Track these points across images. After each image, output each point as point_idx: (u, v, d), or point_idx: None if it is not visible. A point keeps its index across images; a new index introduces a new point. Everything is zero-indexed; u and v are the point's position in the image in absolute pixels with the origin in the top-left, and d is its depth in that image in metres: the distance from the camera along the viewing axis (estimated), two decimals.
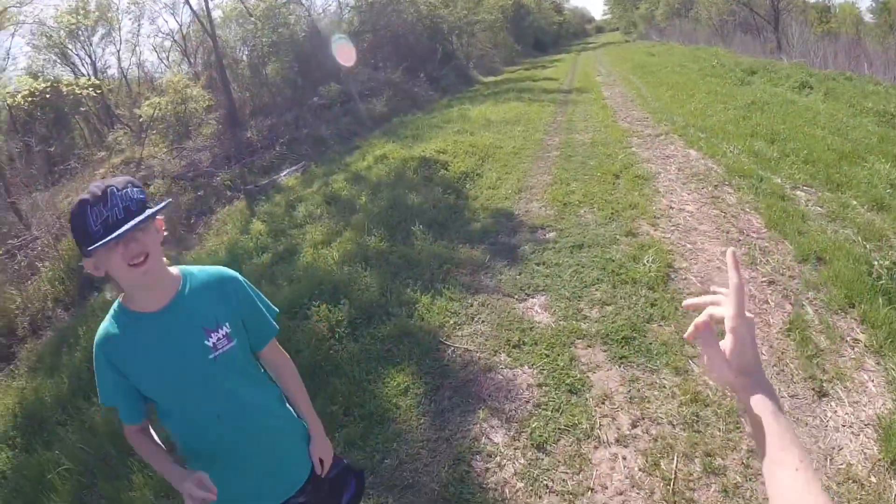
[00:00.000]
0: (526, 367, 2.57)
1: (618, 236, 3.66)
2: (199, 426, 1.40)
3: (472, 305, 3.12)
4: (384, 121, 6.91)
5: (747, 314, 0.71)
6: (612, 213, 4.04)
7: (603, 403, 2.28)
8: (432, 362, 2.74)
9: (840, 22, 21.92)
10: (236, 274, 1.40)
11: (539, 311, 3.01)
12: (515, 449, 2.19)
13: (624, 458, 2.04)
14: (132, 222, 1.15)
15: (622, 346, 2.60)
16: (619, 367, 2.49)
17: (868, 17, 23.03)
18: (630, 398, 2.29)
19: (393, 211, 4.16)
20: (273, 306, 1.46)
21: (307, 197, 4.98)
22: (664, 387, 2.33)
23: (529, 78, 15.17)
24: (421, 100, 9.72)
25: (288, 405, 1.52)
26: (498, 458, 2.16)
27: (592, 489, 1.94)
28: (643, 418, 2.19)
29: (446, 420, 2.41)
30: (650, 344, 2.60)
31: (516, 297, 3.16)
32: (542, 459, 2.10)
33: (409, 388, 2.62)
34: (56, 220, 5.68)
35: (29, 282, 5.15)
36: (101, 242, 1.13)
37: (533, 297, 3.14)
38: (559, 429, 2.21)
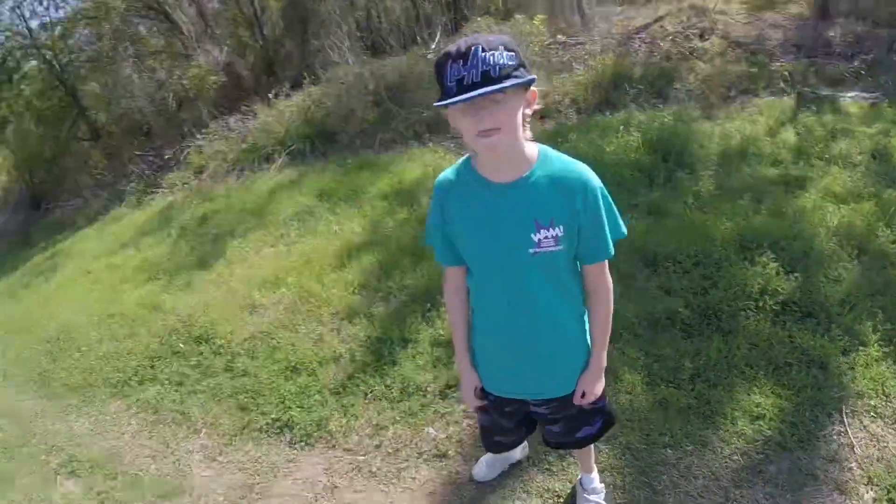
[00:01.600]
0: None
1: None
2: (490, 304, 1.44)
3: None
4: None
5: None
6: None
7: None
8: (810, 418, 2.23)
9: None
10: (595, 180, 1.28)
11: None
12: None
13: None
14: (482, 90, 1.06)
15: None
16: None
17: None
18: None
19: None
20: (622, 228, 1.35)
21: (857, 135, 4.15)
22: None
23: None
24: None
25: (585, 329, 1.49)
26: None
27: None
28: None
29: (753, 483, 2.04)
30: None
31: None
32: None
33: (762, 418, 2.25)
34: (608, 35, 6.13)
35: (561, 75, 5.91)
36: (447, 101, 1.09)
37: None
38: None
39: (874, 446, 2.14)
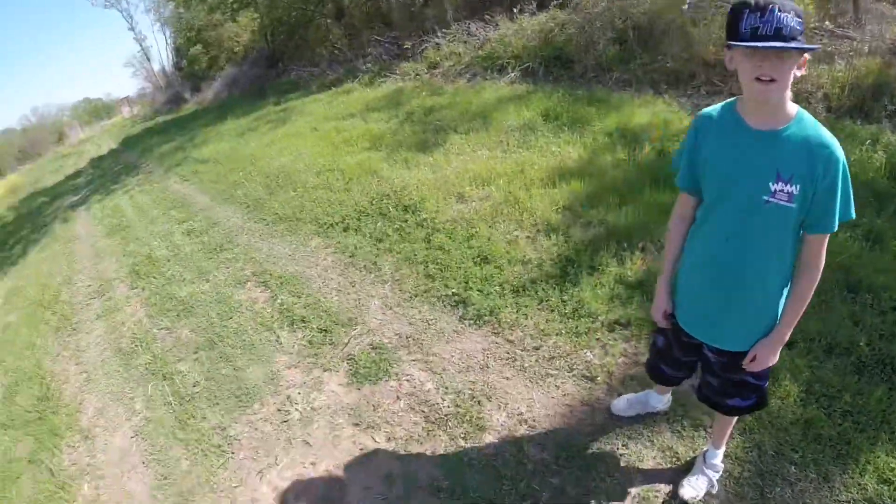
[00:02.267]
0: None
1: None
2: (709, 237, 1.52)
3: None
4: None
5: None
6: None
7: None
8: None
9: None
10: (841, 154, 1.32)
11: None
12: None
13: None
14: (776, 44, 1.19)
15: None
16: None
17: None
18: None
19: None
20: (852, 210, 1.37)
21: None
22: None
23: None
24: None
25: (783, 295, 1.50)
26: None
27: None
28: None
29: None
30: None
31: None
32: None
33: None
34: (880, 35, 5.15)
35: (819, 63, 5.13)
36: (741, 44, 1.23)
37: None
38: None
39: None
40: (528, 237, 3.50)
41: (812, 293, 1.45)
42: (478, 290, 3.12)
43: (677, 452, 2.11)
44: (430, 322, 3.03)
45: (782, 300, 1.50)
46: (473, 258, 3.40)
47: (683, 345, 1.74)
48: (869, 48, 5.14)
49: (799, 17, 1.21)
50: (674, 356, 1.81)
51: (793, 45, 1.19)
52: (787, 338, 1.52)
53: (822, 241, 1.41)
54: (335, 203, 4.76)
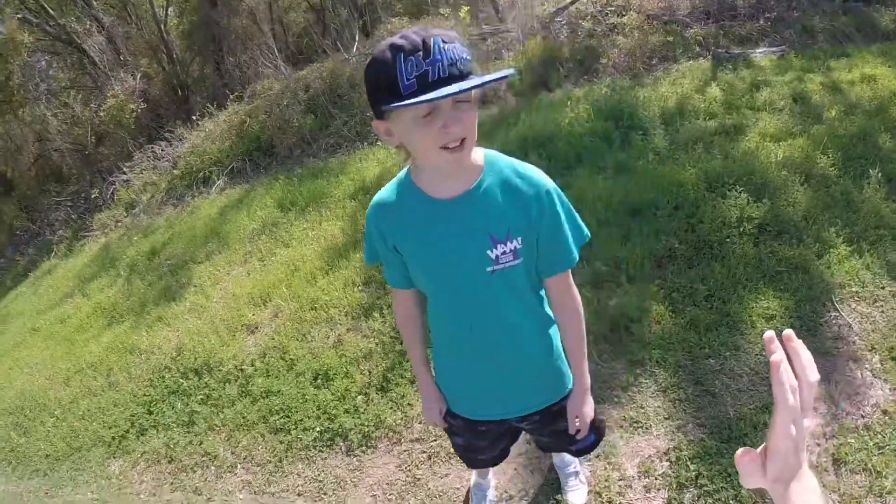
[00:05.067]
0: (887, 386, 2.32)
1: None
2: (450, 328, 1.32)
3: (882, 288, 2.77)
4: (889, 37, 5.63)
5: (802, 424, 0.62)
6: None
7: None
8: (810, 312, 2.69)
9: None
10: (550, 182, 1.15)
11: None
12: (817, 444, 2.14)
13: None
14: (464, 85, 0.91)
15: None
16: None
17: None
18: None
19: (857, 142, 3.70)
20: (585, 230, 1.22)
21: (775, 84, 4.71)
22: None
23: None
24: None
25: (552, 337, 1.36)
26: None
27: None
28: None
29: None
30: None
31: None
32: (828, 475, 2.04)
33: (774, 318, 2.68)
34: (529, 19, 6.52)
35: (491, 63, 6.24)
36: (414, 101, 0.90)
37: None
38: (865, 465, 2.05)
39: (866, 322, 2.62)
40: (350, 330, 3.36)
41: (584, 325, 1.31)
42: (344, 413, 2.87)
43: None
44: (320, 478, 2.63)
45: (553, 339, 1.36)
46: (312, 384, 3.11)
47: (483, 433, 1.52)
48: (524, 34, 6.25)
49: (462, 44, 0.96)
50: (480, 446, 1.61)
51: (487, 78, 0.92)
52: (588, 380, 1.38)
53: (566, 278, 1.25)
54: (110, 407, 3.87)
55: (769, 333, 0.65)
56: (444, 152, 0.99)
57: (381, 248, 1.25)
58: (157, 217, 6.70)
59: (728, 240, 3.12)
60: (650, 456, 2.23)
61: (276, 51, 7.61)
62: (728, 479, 2.08)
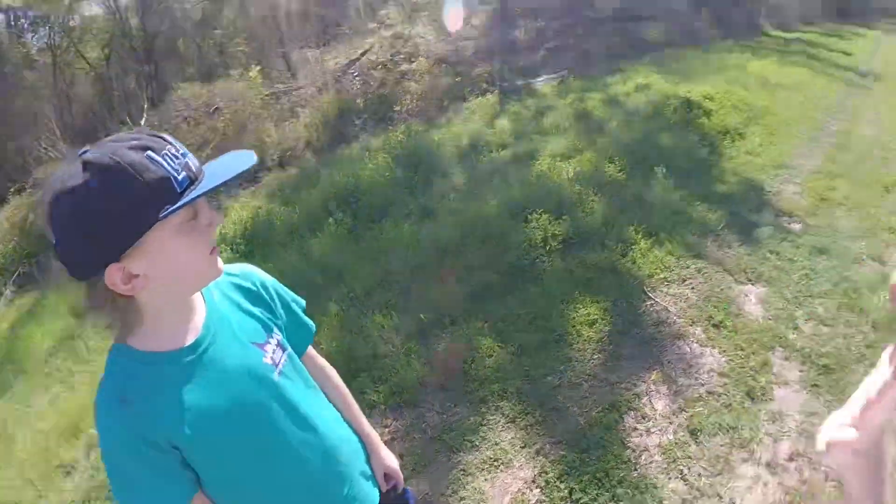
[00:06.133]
0: (716, 351, 2.51)
1: (864, 256, 3.21)
2: (278, 476, 1.04)
3: (687, 267, 3.08)
4: (655, 49, 6.52)
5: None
6: (868, 229, 3.53)
7: (773, 422, 2.16)
8: (628, 307, 2.82)
9: None
10: (259, 272, 1.10)
11: (753, 300, 2.86)
12: (669, 423, 2.20)
13: (765, 485, 1.94)
14: (240, 166, 0.87)
15: (819, 374, 2.37)
16: (807, 394, 2.28)
17: None
18: (801, 430, 2.12)
19: (640, 145, 4.11)
20: (299, 298, 1.17)
21: (558, 107, 5.11)
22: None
23: (823, 45, 12.69)
24: (699, 36, 8.89)
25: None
26: (650, 424, 2.21)
27: (720, 497, 1.91)
28: (802, 456, 2.03)
29: (619, 366, 2.50)
30: (847, 386, 2.29)
31: (735, 276, 3.02)
32: (690, 446, 2.09)
33: (596, 322, 2.75)
34: (322, 74, 6.55)
35: (287, 122, 6.15)
36: (197, 193, 0.81)
37: (752, 285, 2.97)
38: (719, 425, 2.15)
39: (681, 301, 2.82)
40: None
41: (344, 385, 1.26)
42: None
43: None
44: None
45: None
46: None
47: None
48: (318, 88, 6.14)
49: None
50: None
51: (248, 166, 0.88)
52: (378, 438, 1.29)
53: (311, 347, 1.19)
54: None
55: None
56: (213, 258, 0.89)
57: (146, 468, 0.88)
58: None
59: (538, 260, 3.17)
60: (519, 489, 2.09)
61: (57, 132, 6.69)
62: (600, 485, 2.00)
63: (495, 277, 3.10)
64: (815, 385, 2.32)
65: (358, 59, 6.50)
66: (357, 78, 6.38)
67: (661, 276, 3.01)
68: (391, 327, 2.91)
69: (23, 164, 7.25)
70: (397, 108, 5.83)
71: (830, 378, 2.35)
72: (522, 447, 2.23)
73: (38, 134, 7.28)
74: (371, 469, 1.25)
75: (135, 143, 0.78)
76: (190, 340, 0.92)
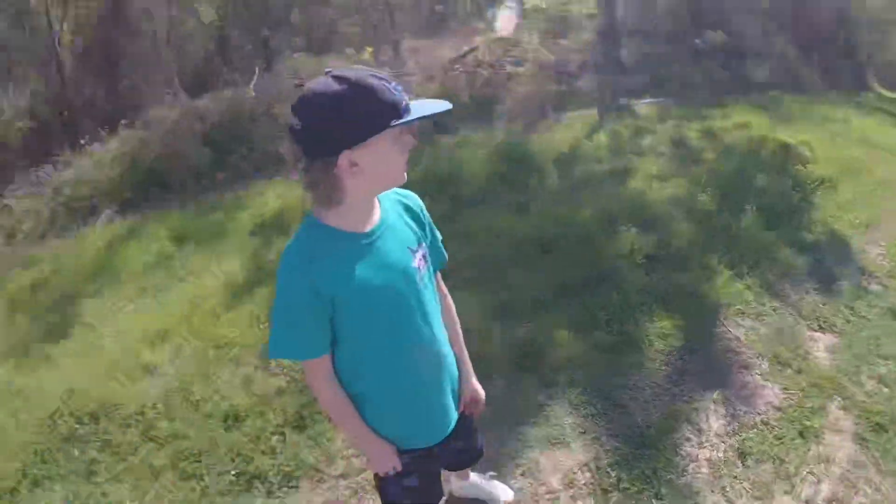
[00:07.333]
0: (777, 388, 2.70)
1: None
2: (400, 351, 1.30)
3: (763, 304, 3.26)
4: (758, 89, 6.55)
5: None
6: None
7: (819, 464, 2.32)
8: (700, 329, 3.04)
9: None
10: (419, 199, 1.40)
11: (821, 347, 3.01)
12: (722, 442, 2.42)
13: None
14: (443, 103, 1.17)
15: (871, 430, 2.51)
16: (856, 445, 2.43)
17: None
18: (843, 477, 2.28)
19: (733, 181, 4.26)
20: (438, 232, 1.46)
21: (657, 131, 5.29)
22: (879, 490, 2.25)
23: None
24: (804, 83, 8.76)
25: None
26: (703, 439, 2.43)
27: None
28: (840, 502, 2.19)
29: (682, 380, 2.74)
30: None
31: (808, 322, 3.18)
32: (737, 467, 2.30)
33: (668, 336, 2.99)
34: (431, 66, 6.84)
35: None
36: (420, 116, 1.10)
37: (823, 333, 3.12)
38: (768, 454, 2.34)
39: (752, 334, 3.03)
40: (259, 367, 3.19)
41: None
42: (261, 454, 2.70)
43: None
44: None
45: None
46: (222, 425, 2.89)
47: (436, 459, 1.52)
48: (423, 77, 6.45)
49: None
50: (435, 472, 1.59)
51: (446, 106, 1.17)
52: (472, 369, 1.56)
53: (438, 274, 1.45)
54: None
55: None
56: (406, 166, 1.17)
57: (310, 314, 1.18)
58: (41, 248, 6.03)
59: (622, 269, 3.45)
60: (572, 468, 2.35)
61: (175, 76, 7.27)
62: (647, 482, 2.25)
63: (580, 277, 3.39)
64: (865, 439, 2.47)
65: (465, 55, 6.81)
66: (463, 73, 6.68)
67: (738, 307, 3.21)
68: (475, 304, 3.18)
69: (134, 102, 7.72)
70: (500, 107, 6.09)
71: (881, 436, 2.49)
72: (582, 433, 2.50)
73: (153, 77, 7.76)
74: (458, 393, 1.51)
75: (373, 74, 1.07)
76: (367, 229, 1.21)
